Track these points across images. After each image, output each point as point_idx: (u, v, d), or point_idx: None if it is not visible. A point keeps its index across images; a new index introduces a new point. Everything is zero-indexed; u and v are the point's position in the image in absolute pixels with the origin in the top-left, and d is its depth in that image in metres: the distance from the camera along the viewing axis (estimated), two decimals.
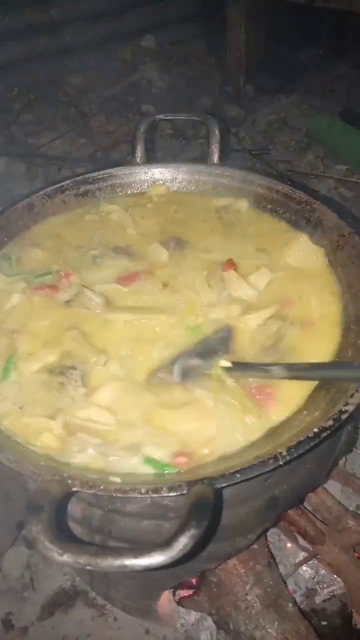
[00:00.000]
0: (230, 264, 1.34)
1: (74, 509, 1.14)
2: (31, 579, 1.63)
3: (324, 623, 1.48)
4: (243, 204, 1.55)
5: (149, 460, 1.00)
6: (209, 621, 1.42)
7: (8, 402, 1.10)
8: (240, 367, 1.12)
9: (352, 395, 0.98)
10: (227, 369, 1.11)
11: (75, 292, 1.29)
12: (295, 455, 0.90)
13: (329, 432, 0.93)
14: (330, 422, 0.94)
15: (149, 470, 0.99)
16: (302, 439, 0.92)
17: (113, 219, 1.53)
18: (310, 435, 0.92)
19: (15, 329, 1.23)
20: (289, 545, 1.54)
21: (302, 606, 1.49)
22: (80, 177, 1.55)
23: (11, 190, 2.88)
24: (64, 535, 0.78)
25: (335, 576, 1.49)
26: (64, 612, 1.57)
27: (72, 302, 1.28)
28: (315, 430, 0.93)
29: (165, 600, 1.42)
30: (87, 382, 1.12)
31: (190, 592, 1.42)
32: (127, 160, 1.65)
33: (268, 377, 1.08)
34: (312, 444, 0.92)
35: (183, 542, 0.75)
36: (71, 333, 1.20)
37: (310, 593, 1.51)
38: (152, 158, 1.65)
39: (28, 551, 1.66)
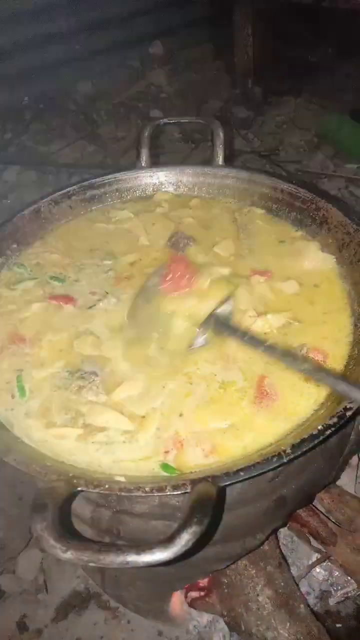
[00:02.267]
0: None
1: (84, 510, 1.15)
2: (45, 581, 1.65)
3: (338, 625, 1.46)
4: (257, 209, 1.55)
5: (166, 466, 1.01)
6: (222, 623, 1.41)
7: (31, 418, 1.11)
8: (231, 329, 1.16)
9: None
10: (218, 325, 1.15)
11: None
12: (299, 452, 0.90)
13: (333, 429, 0.92)
14: (335, 420, 0.93)
15: (164, 474, 1.00)
16: (306, 436, 0.92)
17: (124, 227, 1.54)
18: (315, 432, 0.92)
19: (30, 337, 1.24)
20: (302, 546, 1.52)
21: (316, 608, 1.47)
22: (87, 182, 1.57)
23: (22, 199, 2.93)
24: (68, 533, 0.79)
25: (349, 578, 1.47)
26: (77, 614, 1.58)
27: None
28: (320, 427, 0.92)
29: (177, 601, 1.42)
30: (106, 387, 1.13)
31: (202, 593, 1.42)
32: (134, 164, 1.66)
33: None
34: (316, 442, 0.91)
35: (185, 539, 0.75)
36: (88, 338, 1.22)
37: (324, 595, 1.49)
38: (159, 162, 1.67)
39: (42, 554, 1.68)
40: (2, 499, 1.74)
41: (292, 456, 0.89)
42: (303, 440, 0.91)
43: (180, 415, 1.07)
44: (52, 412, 1.09)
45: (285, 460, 0.89)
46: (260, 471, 0.88)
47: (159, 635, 1.51)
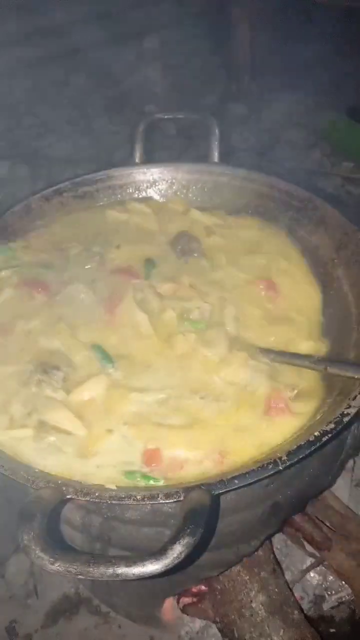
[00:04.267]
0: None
1: (74, 516, 1.12)
2: (35, 586, 1.61)
3: (332, 630, 1.44)
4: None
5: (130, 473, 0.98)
6: (214, 629, 1.39)
7: None
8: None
9: (354, 398, 0.95)
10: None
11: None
12: (296, 459, 0.87)
13: (330, 435, 0.90)
14: (332, 426, 0.91)
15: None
16: (302, 442, 0.89)
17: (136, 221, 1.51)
18: (311, 439, 0.90)
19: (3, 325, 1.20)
20: (296, 551, 1.50)
21: (310, 613, 1.45)
22: (79, 178, 1.53)
23: (14, 194, 2.88)
24: (56, 543, 0.76)
25: (343, 582, 1.45)
26: (68, 619, 1.55)
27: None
28: (317, 433, 0.90)
29: (169, 607, 1.40)
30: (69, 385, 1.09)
31: (195, 599, 1.39)
32: (128, 160, 1.63)
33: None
34: (313, 448, 0.89)
35: (177, 550, 0.72)
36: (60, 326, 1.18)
37: (318, 600, 1.47)
38: (153, 158, 1.63)
39: None
40: None
41: (288, 463, 0.87)
42: (299, 447, 0.88)
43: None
44: (12, 406, 1.06)
45: (281, 468, 0.86)
46: (256, 479, 0.85)
47: None
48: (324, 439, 0.89)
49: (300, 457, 0.88)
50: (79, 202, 1.55)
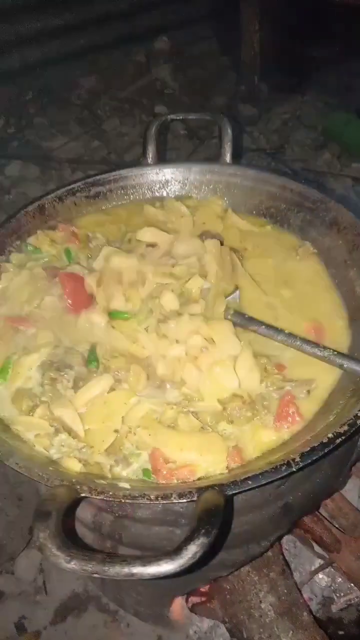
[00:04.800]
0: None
1: (85, 514, 1.13)
2: (44, 582, 1.63)
3: (340, 632, 1.44)
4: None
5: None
6: (222, 629, 1.39)
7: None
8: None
9: None
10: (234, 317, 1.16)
11: None
12: (309, 461, 0.87)
13: (343, 437, 0.90)
14: (345, 428, 0.91)
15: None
16: (315, 444, 0.89)
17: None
18: (325, 441, 0.90)
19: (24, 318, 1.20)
20: (304, 552, 1.50)
21: (318, 615, 1.45)
22: (91, 179, 1.54)
23: (25, 194, 2.89)
24: (71, 542, 0.76)
25: (352, 585, 1.45)
26: (76, 616, 1.57)
27: None
28: (330, 435, 0.90)
29: (178, 606, 1.40)
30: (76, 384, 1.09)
31: (203, 598, 1.40)
32: (139, 161, 1.63)
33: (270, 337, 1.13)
34: (326, 450, 0.89)
35: (192, 551, 0.73)
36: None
37: (326, 601, 1.48)
38: (164, 159, 1.63)
39: (41, 555, 1.66)
40: (2, 498, 1.72)
41: (301, 465, 0.87)
42: (313, 449, 0.89)
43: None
44: (23, 399, 1.07)
45: (294, 469, 0.87)
46: (269, 480, 0.86)
47: None
48: (337, 441, 0.89)
49: (314, 459, 0.88)
50: (92, 203, 1.56)
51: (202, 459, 0.96)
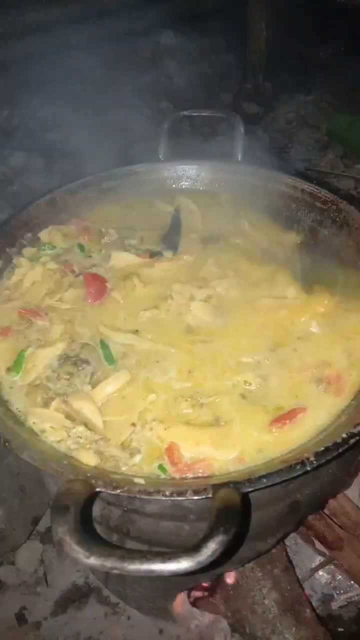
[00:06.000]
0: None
1: (93, 507, 1.13)
2: (45, 574, 1.63)
3: (340, 629, 1.45)
4: None
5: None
6: (224, 623, 1.40)
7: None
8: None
9: None
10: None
11: None
12: (323, 461, 0.88)
13: (358, 437, 0.91)
14: None
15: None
16: (329, 444, 0.90)
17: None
18: (339, 441, 0.91)
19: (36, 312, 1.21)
20: (305, 549, 1.52)
21: (318, 611, 1.46)
22: (104, 172, 1.54)
23: (28, 185, 2.88)
24: (89, 537, 0.77)
25: (352, 582, 1.46)
26: (77, 608, 1.57)
27: None
28: (344, 435, 0.91)
29: (180, 601, 1.41)
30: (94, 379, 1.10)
31: (206, 593, 1.41)
32: (146, 156, 1.63)
33: None
34: (340, 450, 0.90)
35: (212, 548, 0.73)
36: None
37: (326, 598, 1.49)
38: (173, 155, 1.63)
39: (42, 546, 1.66)
40: (4, 489, 1.72)
41: (315, 464, 0.88)
42: (327, 449, 0.90)
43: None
44: (37, 392, 1.07)
45: (308, 469, 0.88)
46: (284, 478, 0.87)
47: (160, 633, 1.50)
48: (352, 441, 0.90)
49: (328, 458, 0.89)
50: (103, 197, 1.56)
51: (218, 454, 0.97)
